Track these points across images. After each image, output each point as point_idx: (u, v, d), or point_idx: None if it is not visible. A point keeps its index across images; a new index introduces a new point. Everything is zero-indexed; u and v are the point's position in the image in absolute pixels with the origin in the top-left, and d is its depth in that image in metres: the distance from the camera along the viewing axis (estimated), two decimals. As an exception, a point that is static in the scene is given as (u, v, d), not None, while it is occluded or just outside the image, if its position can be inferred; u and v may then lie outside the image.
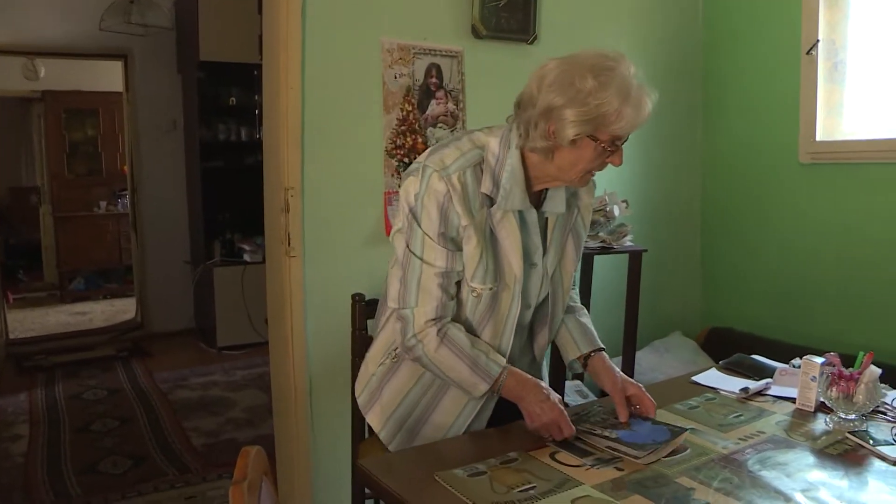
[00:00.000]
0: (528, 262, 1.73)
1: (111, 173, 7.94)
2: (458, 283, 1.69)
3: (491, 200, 1.64)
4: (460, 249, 1.65)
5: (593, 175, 1.70)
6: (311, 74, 2.50)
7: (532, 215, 1.70)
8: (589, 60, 1.57)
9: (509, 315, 1.73)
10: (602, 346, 1.93)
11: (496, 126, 1.73)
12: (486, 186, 1.63)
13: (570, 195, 1.80)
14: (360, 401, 1.90)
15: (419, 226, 1.63)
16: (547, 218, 1.76)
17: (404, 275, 1.67)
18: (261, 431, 3.86)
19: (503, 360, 1.70)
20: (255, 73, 5.14)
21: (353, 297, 2.20)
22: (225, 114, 5.79)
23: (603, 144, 1.57)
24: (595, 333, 1.95)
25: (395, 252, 1.73)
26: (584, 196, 1.85)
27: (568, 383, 3.05)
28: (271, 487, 1.37)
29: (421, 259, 1.64)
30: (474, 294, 1.69)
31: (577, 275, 1.98)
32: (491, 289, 1.68)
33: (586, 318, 1.98)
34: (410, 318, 1.67)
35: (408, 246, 1.66)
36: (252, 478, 1.24)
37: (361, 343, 2.22)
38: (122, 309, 7.07)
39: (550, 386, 1.77)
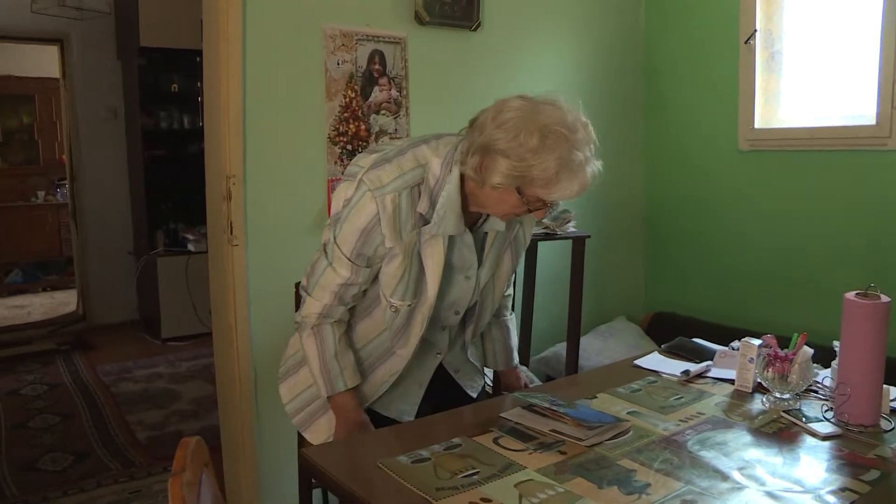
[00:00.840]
0: (461, 275, 1.74)
1: (49, 162, 7.72)
2: (366, 291, 1.75)
3: (425, 220, 1.63)
4: (371, 266, 1.68)
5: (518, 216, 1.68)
6: (252, 61, 2.46)
7: (467, 237, 1.70)
8: (546, 118, 1.52)
9: (420, 329, 1.75)
10: (516, 363, 2.05)
11: (445, 137, 1.71)
12: (423, 206, 1.61)
13: None
14: (279, 371, 1.97)
15: (337, 235, 1.65)
16: (486, 232, 1.77)
17: (316, 263, 1.72)
18: (207, 423, 3.81)
19: (353, 383, 1.76)
20: (198, 59, 5.03)
21: (297, 285, 2.18)
22: (167, 101, 5.67)
23: (527, 199, 1.56)
24: (515, 347, 2.06)
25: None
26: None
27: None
28: (212, 478, 1.36)
29: (329, 263, 1.68)
30: (392, 309, 1.71)
31: (513, 277, 2.03)
32: (409, 305, 1.71)
33: (511, 327, 2.07)
34: (304, 302, 1.75)
35: (325, 243, 1.71)
36: (192, 469, 1.22)
37: None
38: (62, 301, 6.90)
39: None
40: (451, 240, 1.67)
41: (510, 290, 2.08)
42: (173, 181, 5.52)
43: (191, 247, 5.48)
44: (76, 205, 5.96)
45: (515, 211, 1.61)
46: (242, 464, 2.57)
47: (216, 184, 2.53)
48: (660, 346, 2.37)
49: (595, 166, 1.57)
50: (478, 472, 1.43)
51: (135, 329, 5.89)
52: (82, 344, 5.50)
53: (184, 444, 1.26)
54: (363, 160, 1.74)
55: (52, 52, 5.96)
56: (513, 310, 2.13)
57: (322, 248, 1.73)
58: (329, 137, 2.61)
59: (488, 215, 1.72)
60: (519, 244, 1.86)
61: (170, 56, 5.42)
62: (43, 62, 6.84)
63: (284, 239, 2.57)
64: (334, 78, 2.60)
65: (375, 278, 1.72)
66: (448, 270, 1.71)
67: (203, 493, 1.26)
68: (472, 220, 1.72)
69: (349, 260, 1.65)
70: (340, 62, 2.60)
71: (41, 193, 7.69)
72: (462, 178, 1.61)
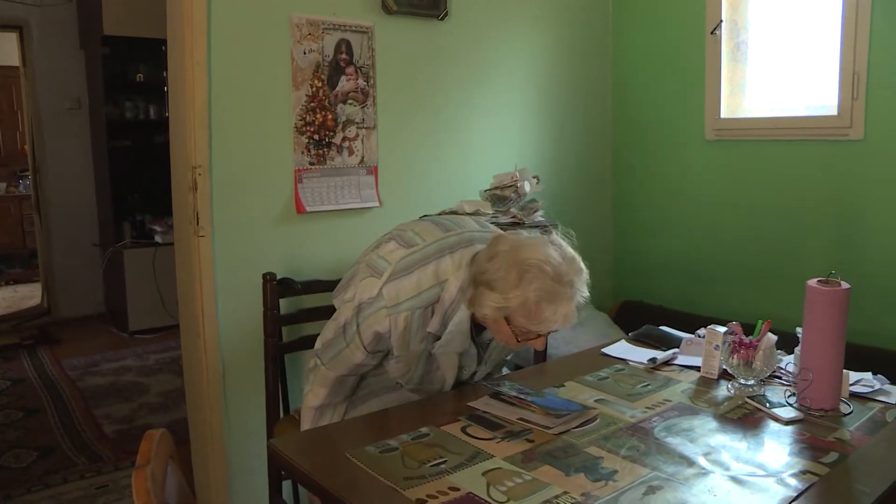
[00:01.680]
0: (462, 371, 1.88)
1: (11, 153, 7.58)
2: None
3: (435, 337, 1.73)
4: (383, 352, 1.79)
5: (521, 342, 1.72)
6: (217, 50, 2.43)
7: (472, 349, 1.83)
8: (529, 254, 1.60)
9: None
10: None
11: (474, 245, 1.77)
12: (434, 326, 1.70)
13: None
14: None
15: (360, 324, 1.74)
16: (491, 339, 1.86)
17: (334, 340, 1.81)
18: (175, 416, 3.78)
19: None
20: (163, 48, 4.90)
21: (265, 276, 2.17)
22: (132, 91, 5.58)
23: (517, 331, 1.64)
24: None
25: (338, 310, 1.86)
26: None
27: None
28: (178, 471, 1.35)
29: (347, 345, 1.78)
30: (399, 386, 1.89)
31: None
32: (415, 385, 1.87)
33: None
34: (317, 369, 1.86)
35: (345, 325, 1.78)
36: (157, 462, 1.21)
37: (273, 323, 2.19)
38: (26, 295, 6.78)
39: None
40: (461, 357, 1.82)
41: None
42: (140, 172, 5.44)
43: (158, 238, 5.41)
44: (39, 196, 5.85)
45: (514, 341, 1.68)
46: (211, 456, 2.55)
47: (182, 174, 2.50)
48: (627, 335, 2.40)
49: (581, 298, 1.64)
50: (445, 461, 1.44)
51: (101, 322, 5.82)
52: (47, 338, 5.41)
53: (148, 436, 1.26)
54: (390, 254, 1.77)
55: (11, 39, 5.84)
56: None
57: (342, 327, 1.79)
58: (296, 127, 2.59)
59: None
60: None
61: (134, 45, 5.32)
62: (1, 50, 6.69)
63: (251, 230, 2.55)
64: (301, 67, 2.57)
65: None
66: None
67: (168, 486, 1.25)
68: (481, 327, 1.78)
69: (366, 350, 1.76)
70: (307, 51, 2.58)
71: (2, 185, 7.56)
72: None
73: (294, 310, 2.47)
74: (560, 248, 1.65)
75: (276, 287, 2.19)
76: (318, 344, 1.89)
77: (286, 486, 2.23)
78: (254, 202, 2.54)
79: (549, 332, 1.67)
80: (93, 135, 5.84)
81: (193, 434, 2.67)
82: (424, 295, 1.69)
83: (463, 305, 1.68)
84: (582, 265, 1.65)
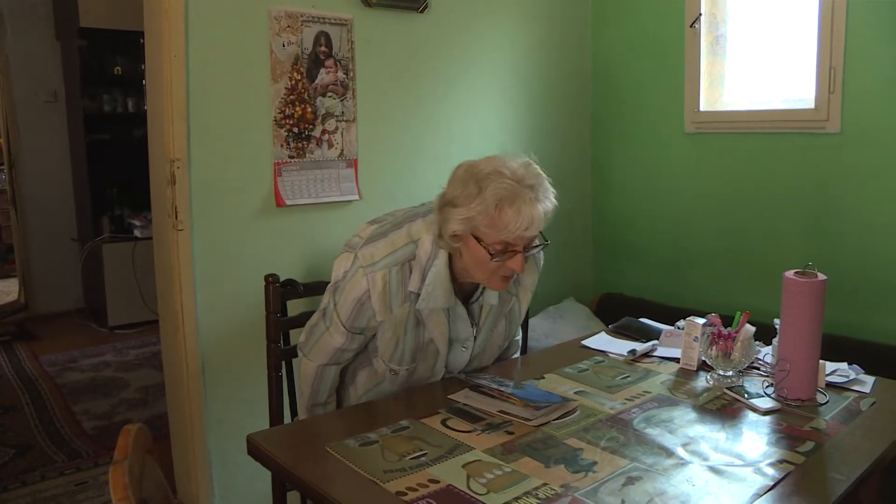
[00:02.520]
0: (459, 346, 1.84)
1: (-14, 147, 7.46)
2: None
3: (417, 296, 1.71)
4: (364, 335, 1.79)
5: (508, 280, 1.72)
6: (195, 43, 2.41)
7: (460, 309, 1.78)
8: (485, 166, 1.63)
9: (425, 379, 1.88)
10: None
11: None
12: (414, 284, 1.70)
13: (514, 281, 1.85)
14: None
15: (336, 303, 1.75)
16: (482, 306, 1.84)
17: (315, 326, 1.83)
18: (156, 411, 3.75)
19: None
20: (142, 41, 4.88)
21: (267, 278, 2.07)
22: (110, 84, 5.52)
23: (489, 248, 1.62)
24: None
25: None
26: (526, 278, 1.92)
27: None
28: (156, 466, 1.34)
29: (327, 328, 1.79)
30: (392, 372, 1.83)
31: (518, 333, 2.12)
32: (408, 369, 1.81)
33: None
34: (300, 363, 1.87)
35: (325, 308, 1.81)
36: (134, 457, 1.20)
37: (276, 328, 2.10)
38: (3, 290, 6.68)
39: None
40: (449, 313, 1.77)
41: (519, 335, 2.14)
42: (118, 166, 5.39)
43: (137, 233, 5.37)
44: (16, 191, 5.77)
45: (495, 269, 1.65)
46: (192, 451, 2.54)
47: (160, 168, 2.48)
48: (608, 327, 2.41)
49: (548, 203, 1.64)
50: (426, 454, 1.44)
51: (80, 317, 5.76)
52: (25, 334, 5.35)
53: (126, 431, 1.24)
54: (364, 231, 1.85)
55: (-15, 31, 5.75)
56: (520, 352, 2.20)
57: (322, 312, 1.82)
58: (275, 120, 2.58)
59: (483, 290, 1.81)
60: (514, 315, 1.95)
61: (112, 37, 5.26)
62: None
63: (231, 223, 2.53)
64: (280, 60, 2.56)
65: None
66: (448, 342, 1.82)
67: (146, 481, 1.24)
68: (468, 294, 1.81)
69: (345, 328, 1.75)
70: (286, 44, 2.56)
71: (-22, 180, 7.44)
72: (451, 255, 1.71)
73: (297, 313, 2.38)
74: (517, 159, 1.66)
75: (278, 290, 2.09)
76: (301, 337, 1.89)
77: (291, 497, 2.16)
78: (233, 196, 2.53)
79: (524, 248, 1.65)
80: (70, 128, 5.77)
81: (173, 428, 2.66)
82: (399, 252, 1.70)
83: (439, 259, 1.69)
84: (541, 172, 1.66)
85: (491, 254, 1.62)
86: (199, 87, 2.43)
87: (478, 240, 1.62)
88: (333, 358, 1.82)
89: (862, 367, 1.92)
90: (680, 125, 3.36)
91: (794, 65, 3.01)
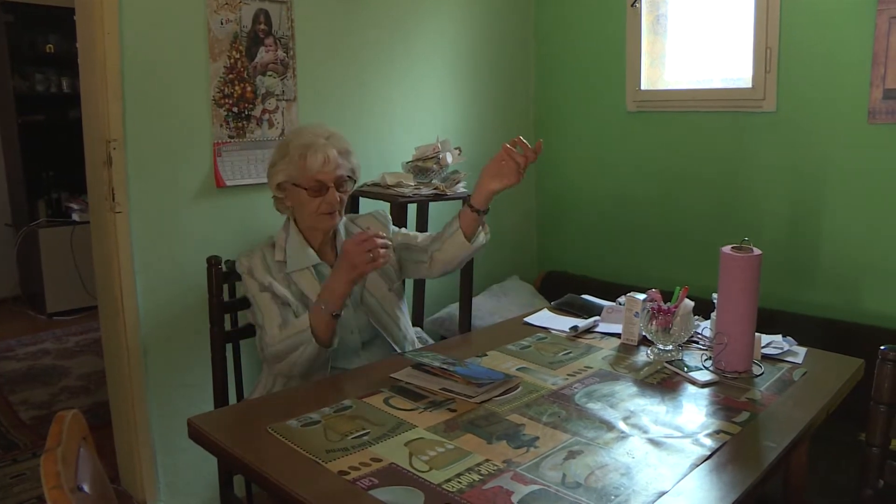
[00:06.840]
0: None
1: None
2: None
3: (286, 265, 1.99)
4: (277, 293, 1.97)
5: (330, 212, 1.97)
6: (129, 19, 2.34)
7: (325, 269, 2.01)
8: (290, 133, 2.13)
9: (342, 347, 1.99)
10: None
11: None
12: (279, 255, 2.00)
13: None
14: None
15: (247, 288, 1.99)
16: None
17: (254, 316, 1.98)
18: (98, 398, 3.67)
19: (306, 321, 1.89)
20: (74, 18, 4.75)
21: (209, 260, 2.07)
22: (43, 63, 5.34)
23: (306, 188, 1.95)
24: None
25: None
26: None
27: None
28: (93, 453, 1.31)
29: (258, 307, 1.94)
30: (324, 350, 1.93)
31: (424, 236, 2.16)
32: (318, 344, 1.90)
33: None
34: (265, 332, 1.90)
35: (253, 312, 1.98)
36: (68, 445, 1.17)
37: (219, 311, 2.08)
38: (-66, 278, 6.47)
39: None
40: (319, 275, 2.00)
41: (422, 236, 2.17)
42: (54, 148, 5.24)
43: (75, 216, 5.23)
44: (-56, 175, 5.57)
45: (314, 206, 1.96)
46: (134, 438, 2.50)
47: (95, 149, 2.41)
48: (550, 304, 2.43)
49: (342, 148, 2.00)
50: (368, 433, 1.44)
51: (17, 305, 5.59)
52: (-42, 322, 5.19)
53: (59, 418, 1.21)
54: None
55: None
56: None
57: (253, 314, 1.98)
58: (214, 99, 2.52)
59: (340, 249, 1.95)
60: (385, 268, 2.03)
61: (42, 13, 5.09)
62: None
63: (170, 205, 2.48)
64: (218, 38, 2.50)
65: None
66: None
67: (81, 469, 1.21)
68: (331, 258, 2.04)
69: (261, 285, 1.94)
70: (224, 21, 2.51)
71: None
72: (295, 221, 2.03)
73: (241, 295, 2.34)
74: (321, 125, 2.06)
75: (220, 272, 2.10)
76: (257, 343, 1.97)
77: (237, 480, 2.16)
78: (171, 177, 2.47)
79: (336, 186, 1.96)
80: (0, 109, 5.57)
81: (115, 415, 2.61)
82: (261, 243, 2.05)
83: (290, 230, 2.01)
84: (337, 132, 2.03)
85: (308, 190, 1.94)
86: (135, 65, 2.36)
87: (297, 186, 1.95)
88: (278, 307, 1.92)
89: (795, 340, 1.98)
90: (622, 104, 3.40)
91: (733, 45, 3.06)
